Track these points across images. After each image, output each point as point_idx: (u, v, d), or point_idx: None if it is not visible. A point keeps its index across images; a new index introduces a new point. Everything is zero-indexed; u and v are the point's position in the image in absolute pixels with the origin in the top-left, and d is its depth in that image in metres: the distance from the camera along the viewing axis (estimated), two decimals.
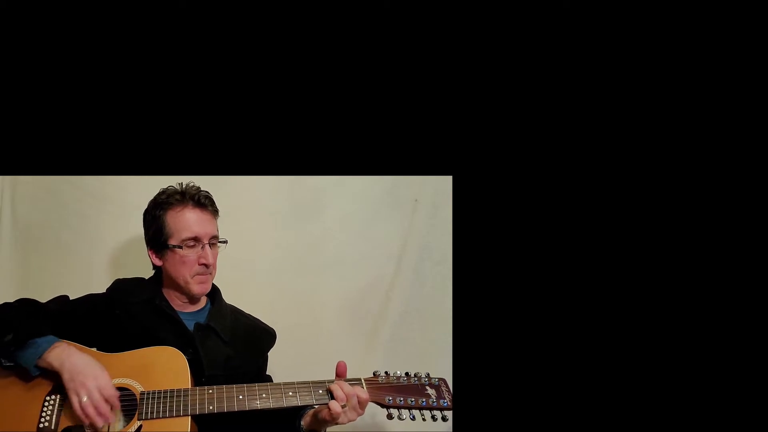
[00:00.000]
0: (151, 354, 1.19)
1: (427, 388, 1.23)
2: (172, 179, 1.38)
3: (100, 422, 1.08)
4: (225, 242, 1.36)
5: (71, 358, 1.12)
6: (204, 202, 1.32)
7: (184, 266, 1.29)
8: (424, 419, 1.20)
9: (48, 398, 1.14)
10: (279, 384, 1.18)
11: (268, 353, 1.44)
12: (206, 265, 1.30)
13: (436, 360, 1.57)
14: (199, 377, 1.21)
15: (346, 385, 1.17)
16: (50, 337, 1.15)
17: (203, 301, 1.39)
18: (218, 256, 1.35)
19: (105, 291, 1.35)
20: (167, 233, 1.29)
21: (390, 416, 1.19)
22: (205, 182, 1.39)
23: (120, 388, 1.14)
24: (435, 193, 1.83)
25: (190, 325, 1.29)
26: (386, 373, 1.24)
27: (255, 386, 1.16)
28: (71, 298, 1.32)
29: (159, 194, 1.34)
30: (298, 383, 1.18)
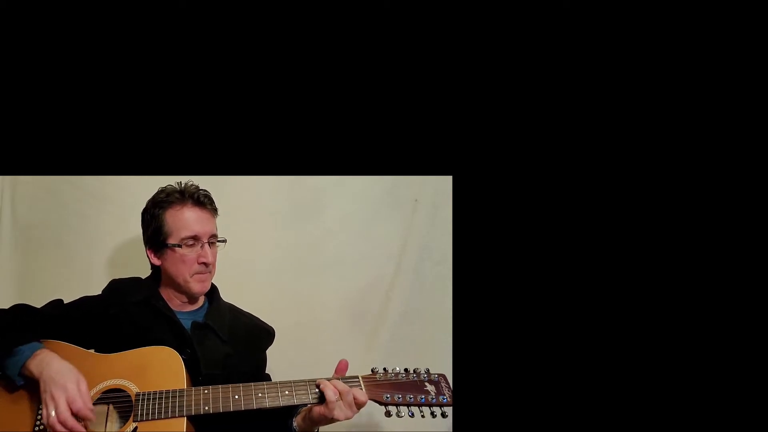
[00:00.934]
0: (147, 354, 1.18)
1: (427, 384, 1.20)
2: (173, 179, 1.38)
3: None
4: (224, 241, 1.36)
5: (50, 366, 1.09)
6: (203, 201, 1.31)
7: (184, 265, 1.28)
8: (423, 416, 1.18)
9: None
10: (275, 383, 1.17)
11: (267, 352, 1.43)
12: (206, 264, 1.29)
13: (436, 360, 1.56)
14: (197, 376, 1.21)
15: (339, 383, 1.16)
16: (34, 344, 1.13)
17: (201, 300, 1.38)
18: (218, 255, 1.35)
19: (101, 292, 1.35)
20: (166, 232, 1.29)
21: (388, 414, 1.17)
22: (205, 182, 1.39)
23: (115, 390, 1.14)
24: (435, 193, 1.83)
25: (187, 325, 1.28)
26: (384, 369, 1.22)
27: (251, 386, 1.15)
28: (68, 301, 1.31)
29: (158, 193, 1.34)
30: (295, 382, 1.17)
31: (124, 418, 1.12)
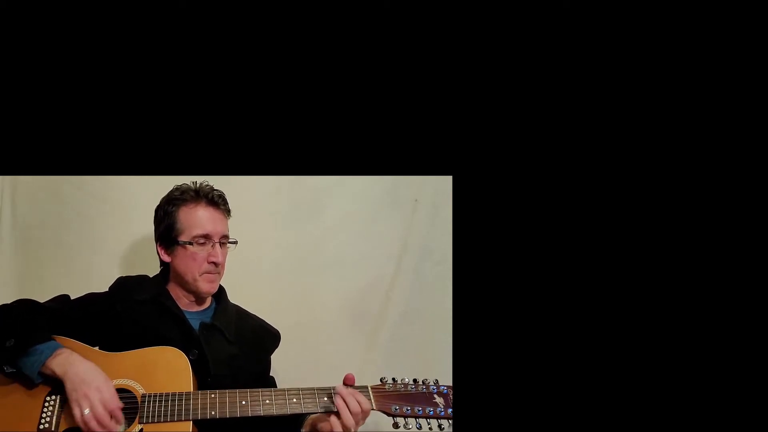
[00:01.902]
0: (153, 354, 1.17)
1: (435, 396, 1.20)
2: (173, 179, 1.38)
3: None
4: (235, 242, 1.36)
5: (74, 367, 1.10)
6: (217, 201, 1.32)
7: (194, 263, 1.28)
8: (430, 428, 1.17)
9: (48, 398, 1.13)
10: (283, 390, 1.16)
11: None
12: (215, 264, 1.30)
13: (436, 360, 1.57)
14: (205, 377, 1.20)
15: (353, 403, 1.14)
16: (52, 343, 1.14)
17: (208, 300, 1.38)
18: (226, 256, 1.35)
19: (107, 289, 1.34)
20: (179, 229, 1.29)
21: (396, 425, 1.16)
22: (205, 180, 1.40)
23: (121, 389, 1.13)
24: (435, 193, 1.83)
25: (195, 325, 1.28)
26: (393, 379, 1.21)
27: (258, 392, 1.14)
28: (72, 298, 1.31)
29: (173, 191, 1.34)
30: (303, 389, 1.16)
31: (129, 418, 1.11)
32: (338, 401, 1.14)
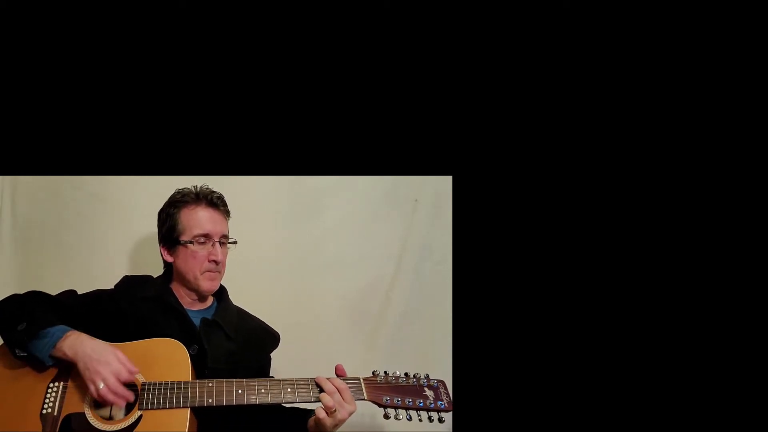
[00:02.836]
0: (153, 345, 1.21)
1: (426, 389, 1.23)
2: (173, 179, 1.39)
3: (121, 404, 1.12)
4: (235, 242, 1.41)
5: (84, 346, 1.14)
6: (216, 203, 1.37)
7: (195, 261, 1.33)
8: (420, 420, 1.20)
9: (51, 385, 1.16)
10: (278, 380, 1.20)
11: (271, 355, 1.45)
12: (216, 262, 1.34)
13: (436, 360, 1.57)
14: (203, 370, 1.23)
15: (337, 380, 1.18)
16: (62, 327, 1.17)
17: (210, 299, 1.42)
18: (226, 255, 1.38)
19: (113, 287, 1.38)
20: (180, 230, 1.34)
21: (387, 416, 1.20)
22: (205, 182, 1.40)
23: None
24: (435, 193, 1.83)
25: (196, 322, 1.32)
26: (385, 372, 1.25)
27: (254, 381, 1.18)
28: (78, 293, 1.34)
29: (174, 194, 1.39)
30: (297, 380, 1.19)
31: (129, 406, 1.14)
32: (322, 395, 1.17)
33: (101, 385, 1.10)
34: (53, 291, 1.34)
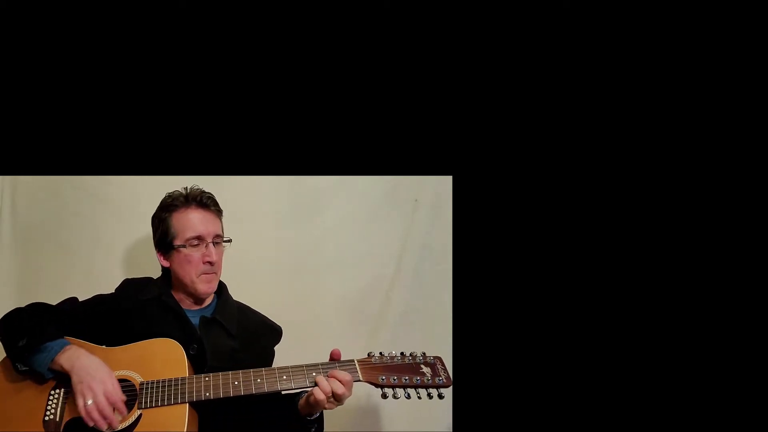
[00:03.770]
0: (150, 346, 1.23)
1: (422, 366, 1.21)
2: (173, 179, 1.39)
3: (103, 426, 1.12)
4: (229, 241, 1.41)
5: (80, 360, 1.15)
6: (207, 203, 1.36)
7: (190, 265, 1.33)
8: (419, 397, 1.18)
9: (53, 392, 1.18)
10: (273, 369, 1.20)
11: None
12: (211, 263, 1.34)
13: None
14: (203, 369, 1.24)
15: (334, 380, 1.17)
16: (61, 340, 1.19)
17: (210, 298, 1.42)
18: (222, 255, 1.38)
19: (114, 291, 1.39)
20: (173, 234, 1.34)
21: (384, 396, 1.17)
22: (205, 182, 1.40)
23: (121, 380, 1.17)
24: (435, 193, 1.83)
25: (195, 321, 1.33)
26: (380, 353, 1.24)
27: (250, 372, 1.19)
28: (80, 300, 1.35)
29: (165, 198, 1.39)
30: (292, 367, 1.20)
31: (129, 406, 1.15)
32: (319, 379, 1.17)
33: (89, 401, 1.10)
34: (53, 291, 1.35)
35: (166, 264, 1.37)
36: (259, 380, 1.17)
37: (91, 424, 1.11)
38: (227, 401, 1.17)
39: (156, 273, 1.44)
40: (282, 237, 1.80)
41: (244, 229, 1.55)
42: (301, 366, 1.20)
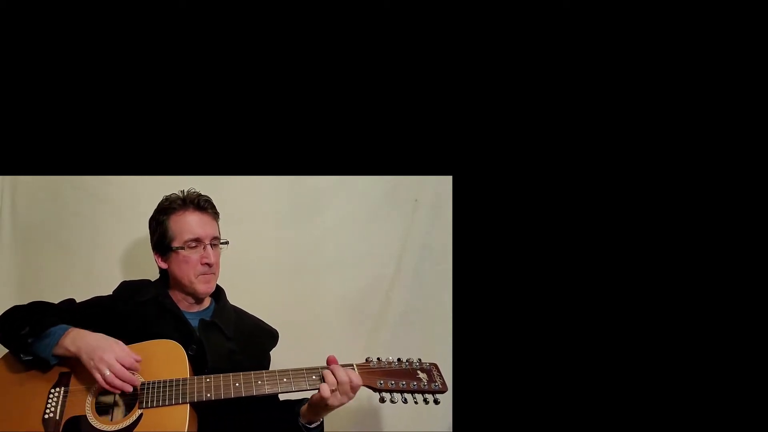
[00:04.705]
0: (151, 347, 1.23)
1: (419, 372, 1.25)
2: (173, 179, 1.39)
3: (129, 389, 1.14)
4: (226, 243, 1.41)
5: (84, 340, 1.17)
6: (204, 205, 1.37)
7: (188, 266, 1.34)
8: (416, 402, 1.22)
9: (53, 390, 1.19)
10: (274, 371, 1.22)
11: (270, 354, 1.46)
12: (209, 265, 1.35)
13: (437, 360, 1.57)
14: (202, 370, 1.24)
15: (339, 371, 1.20)
16: (63, 326, 1.20)
17: (207, 301, 1.43)
18: (219, 256, 1.39)
19: (112, 293, 1.39)
20: (170, 236, 1.35)
21: (382, 399, 1.21)
22: (205, 182, 1.40)
23: None
24: (435, 193, 1.83)
25: (194, 323, 1.33)
26: (378, 359, 1.27)
27: (251, 374, 1.20)
28: (77, 301, 1.35)
29: (162, 201, 1.40)
30: (293, 370, 1.21)
31: (129, 406, 1.16)
32: (326, 372, 1.20)
33: (107, 372, 1.12)
34: (53, 291, 1.35)
35: (164, 265, 1.38)
36: (259, 382, 1.18)
37: (117, 392, 1.14)
38: (227, 403, 1.17)
39: (155, 275, 1.44)
40: (282, 237, 1.80)
41: (244, 229, 1.55)
42: (302, 369, 1.21)
